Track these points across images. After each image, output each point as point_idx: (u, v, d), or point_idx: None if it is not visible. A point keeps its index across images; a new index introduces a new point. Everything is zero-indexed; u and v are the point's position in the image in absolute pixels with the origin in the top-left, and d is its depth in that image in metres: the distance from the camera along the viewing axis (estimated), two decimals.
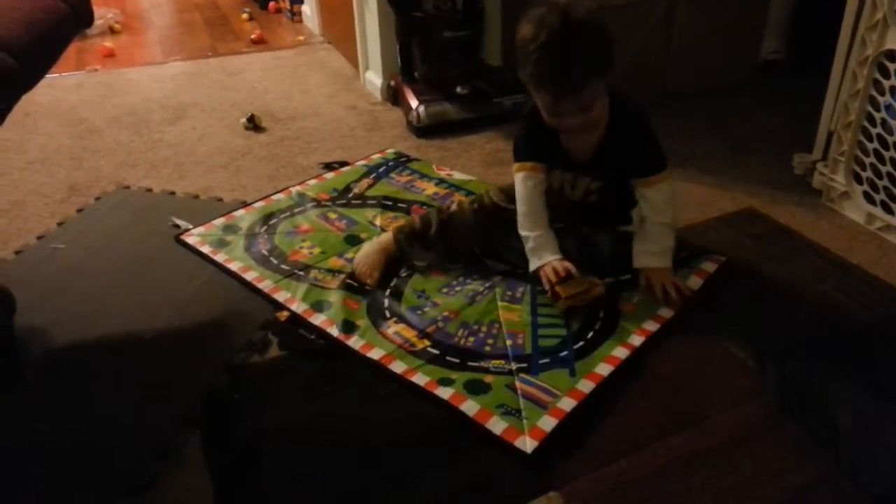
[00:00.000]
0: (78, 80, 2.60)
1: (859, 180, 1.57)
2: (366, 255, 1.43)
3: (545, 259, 1.31)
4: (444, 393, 1.11)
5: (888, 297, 1.34)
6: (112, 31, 3.16)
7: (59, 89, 2.48)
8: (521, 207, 1.35)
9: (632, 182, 1.35)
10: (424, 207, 1.63)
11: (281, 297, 1.35)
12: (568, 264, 1.29)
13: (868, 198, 1.56)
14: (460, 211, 1.45)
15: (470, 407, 1.09)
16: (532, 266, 1.33)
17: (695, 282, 1.36)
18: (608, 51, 1.20)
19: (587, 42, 1.17)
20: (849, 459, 1.00)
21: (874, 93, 1.49)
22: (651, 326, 1.25)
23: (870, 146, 1.52)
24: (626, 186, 1.37)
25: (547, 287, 1.30)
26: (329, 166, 1.87)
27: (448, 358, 1.19)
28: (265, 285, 1.38)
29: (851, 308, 1.31)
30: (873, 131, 1.51)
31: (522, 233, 1.35)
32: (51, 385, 1.20)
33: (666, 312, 1.28)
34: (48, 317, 1.35)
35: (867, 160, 1.54)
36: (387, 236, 1.45)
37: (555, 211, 1.38)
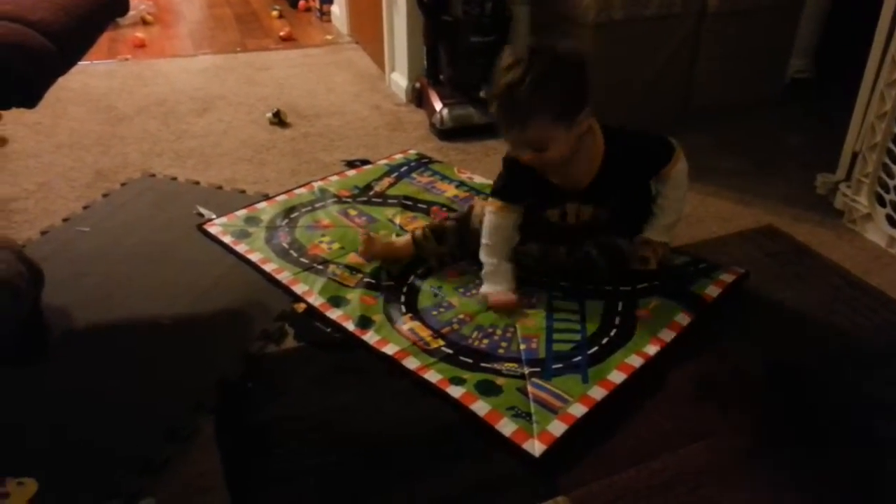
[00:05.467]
0: (109, 68, 2.64)
1: (882, 203, 1.56)
2: (383, 243, 1.46)
3: (497, 287, 1.33)
4: (456, 392, 1.12)
5: None
6: (144, 22, 3.21)
7: (90, 76, 2.52)
8: (484, 237, 1.35)
9: (652, 184, 1.36)
10: (444, 209, 1.64)
11: (299, 289, 1.37)
12: (514, 297, 1.31)
13: (891, 220, 1.55)
14: (474, 217, 1.42)
15: (480, 407, 1.09)
16: (483, 289, 1.34)
17: (713, 290, 1.36)
18: (571, 100, 1.17)
19: (545, 82, 1.13)
20: (862, 481, 1.00)
21: None
22: (666, 336, 1.25)
23: (895, 168, 1.51)
24: (638, 203, 1.38)
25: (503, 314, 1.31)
26: (351, 164, 1.88)
27: (461, 358, 1.20)
28: (283, 276, 1.40)
29: (869, 329, 1.30)
30: None
31: (481, 257, 1.36)
32: (68, 365, 1.22)
33: (682, 319, 1.28)
34: (70, 297, 1.37)
35: (891, 183, 1.53)
36: (408, 236, 1.46)
37: (554, 237, 1.38)
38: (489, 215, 1.34)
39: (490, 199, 1.35)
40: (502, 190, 1.34)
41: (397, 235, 1.53)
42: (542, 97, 1.14)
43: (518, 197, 1.32)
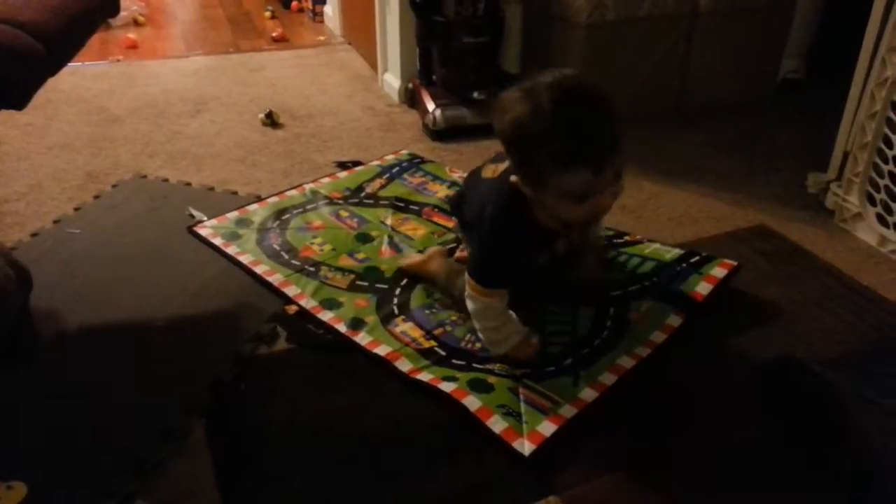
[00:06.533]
0: (101, 69, 2.63)
1: (873, 202, 1.57)
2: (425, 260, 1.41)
3: (509, 343, 1.19)
4: (447, 387, 1.12)
5: None
6: (136, 23, 3.20)
7: (81, 78, 2.51)
8: (483, 328, 1.20)
9: None
10: (436, 210, 1.64)
11: (290, 291, 1.36)
12: (534, 341, 1.20)
13: (881, 220, 1.55)
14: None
15: (472, 402, 1.09)
16: (497, 352, 1.20)
17: (704, 288, 1.36)
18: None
19: (609, 99, 1.00)
20: (854, 479, 1.00)
21: (892, 114, 1.49)
22: (658, 337, 1.25)
23: (885, 168, 1.52)
24: None
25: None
26: (343, 165, 1.88)
27: (454, 360, 1.20)
28: (275, 279, 1.40)
29: (860, 329, 1.30)
30: (889, 153, 1.50)
31: (482, 337, 1.21)
32: (60, 367, 1.21)
33: (674, 321, 1.28)
34: (61, 300, 1.36)
35: (882, 182, 1.53)
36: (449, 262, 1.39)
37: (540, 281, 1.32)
38: (475, 303, 1.17)
39: (481, 289, 1.15)
40: (490, 278, 1.15)
41: (389, 237, 1.53)
42: (619, 118, 1.00)
43: (509, 276, 1.16)
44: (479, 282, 1.16)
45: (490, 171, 1.22)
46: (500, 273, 1.16)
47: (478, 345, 1.23)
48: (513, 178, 1.09)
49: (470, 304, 1.19)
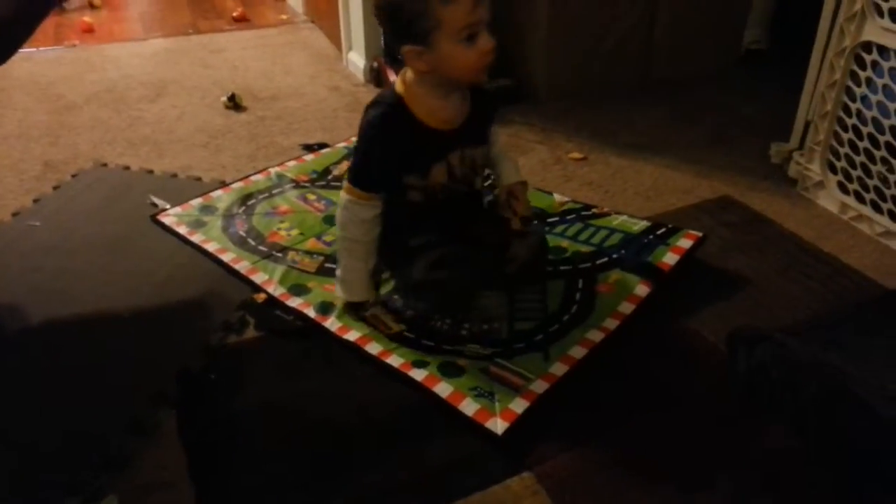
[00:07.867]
0: (56, 54, 2.56)
1: (834, 170, 1.60)
2: None
3: (362, 297, 1.24)
4: (418, 375, 1.12)
5: (858, 286, 1.36)
6: (92, 5, 3.11)
7: (36, 64, 2.44)
8: (348, 232, 1.19)
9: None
10: None
11: (258, 278, 1.35)
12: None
13: (842, 187, 1.58)
14: None
15: (443, 389, 1.10)
16: (344, 294, 1.24)
17: (671, 258, 1.37)
18: None
19: None
20: (818, 447, 1.02)
21: (851, 84, 1.51)
22: (626, 308, 1.26)
23: (845, 136, 1.54)
24: None
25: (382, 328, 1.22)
26: (309, 148, 1.86)
27: (423, 342, 1.20)
28: (242, 266, 1.38)
29: (822, 296, 1.33)
30: (849, 122, 1.52)
31: (342, 256, 1.22)
32: (26, 362, 1.19)
33: (641, 291, 1.29)
34: (23, 294, 1.34)
35: (842, 150, 1.56)
36: None
37: (447, 217, 1.22)
38: (347, 207, 1.17)
39: (352, 189, 1.16)
40: (363, 176, 1.16)
41: None
42: None
43: (384, 179, 1.16)
44: (352, 180, 1.17)
45: None
46: (374, 172, 1.16)
47: (447, 321, 1.23)
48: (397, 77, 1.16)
49: (338, 209, 1.19)
